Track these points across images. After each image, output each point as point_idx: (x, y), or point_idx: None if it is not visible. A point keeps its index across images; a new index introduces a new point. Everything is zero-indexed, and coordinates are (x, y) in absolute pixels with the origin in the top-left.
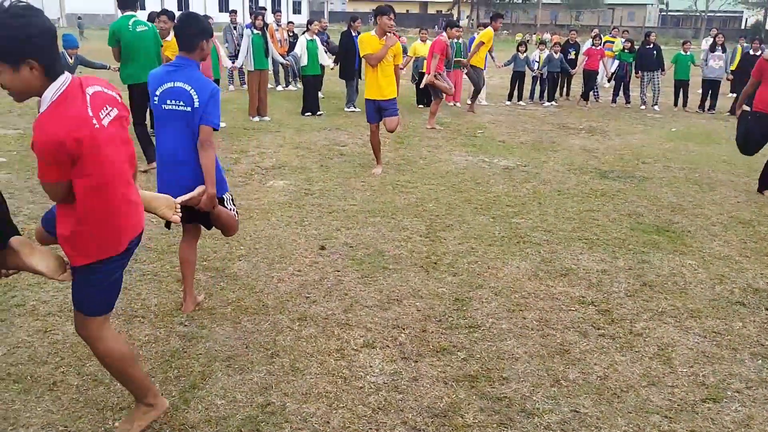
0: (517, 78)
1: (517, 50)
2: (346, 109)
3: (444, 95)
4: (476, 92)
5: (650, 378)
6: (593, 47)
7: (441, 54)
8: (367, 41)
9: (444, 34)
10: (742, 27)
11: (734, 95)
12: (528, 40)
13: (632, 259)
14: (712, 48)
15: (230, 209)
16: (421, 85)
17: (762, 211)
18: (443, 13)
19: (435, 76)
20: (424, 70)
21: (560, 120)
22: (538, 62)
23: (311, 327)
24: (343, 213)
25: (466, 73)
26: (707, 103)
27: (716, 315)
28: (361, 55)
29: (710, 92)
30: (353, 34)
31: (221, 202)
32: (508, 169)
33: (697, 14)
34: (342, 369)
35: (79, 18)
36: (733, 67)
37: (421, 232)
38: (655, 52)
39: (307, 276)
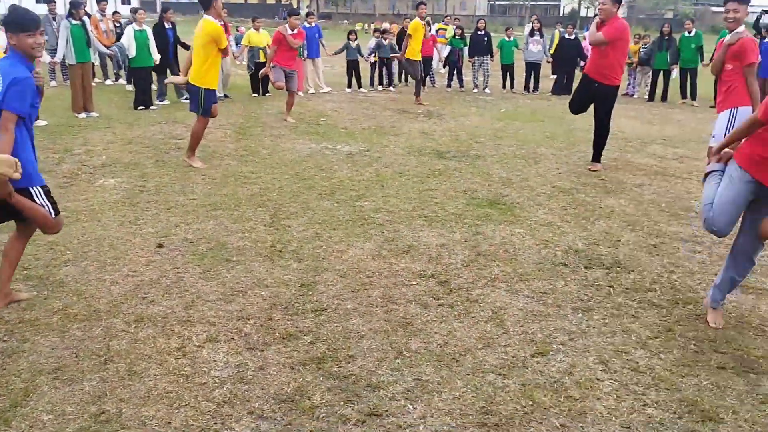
0: (352, 66)
1: (348, 38)
2: (158, 101)
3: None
4: (417, 84)
5: (486, 340)
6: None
7: (277, 45)
8: (219, 31)
9: (285, 25)
10: (561, 14)
11: (555, 77)
12: (367, 30)
13: (468, 232)
14: (531, 33)
15: (40, 204)
16: (260, 75)
17: (580, 180)
18: (282, 3)
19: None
20: (262, 59)
21: (400, 105)
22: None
23: (149, 328)
24: (182, 208)
25: (403, 67)
26: (531, 85)
27: (542, 276)
28: (224, 47)
29: (533, 74)
30: (167, 26)
31: (29, 195)
32: (351, 154)
33: (522, 3)
34: (183, 367)
35: None
36: (551, 51)
37: (265, 221)
38: (486, 38)
39: (144, 276)
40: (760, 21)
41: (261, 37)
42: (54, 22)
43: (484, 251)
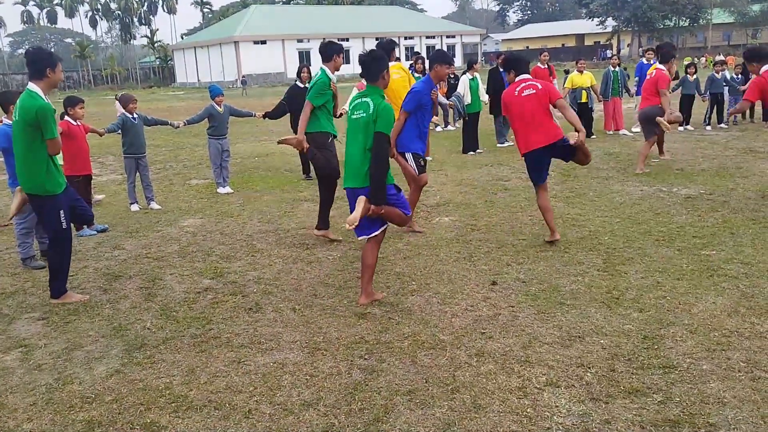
0: (686, 101)
1: (686, 72)
2: (499, 144)
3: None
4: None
5: None
6: None
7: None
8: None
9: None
10: None
11: None
12: (697, 63)
13: None
14: None
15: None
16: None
17: None
18: (601, 44)
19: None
20: (584, 100)
21: (745, 144)
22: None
23: (490, 363)
24: (512, 248)
25: None
26: None
27: None
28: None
29: None
30: (501, 70)
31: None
32: (691, 198)
33: None
34: (526, 408)
35: (243, 77)
36: None
37: (598, 266)
38: None
39: (481, 311)
40: None
41: (584, 78)
42: None
43: None
